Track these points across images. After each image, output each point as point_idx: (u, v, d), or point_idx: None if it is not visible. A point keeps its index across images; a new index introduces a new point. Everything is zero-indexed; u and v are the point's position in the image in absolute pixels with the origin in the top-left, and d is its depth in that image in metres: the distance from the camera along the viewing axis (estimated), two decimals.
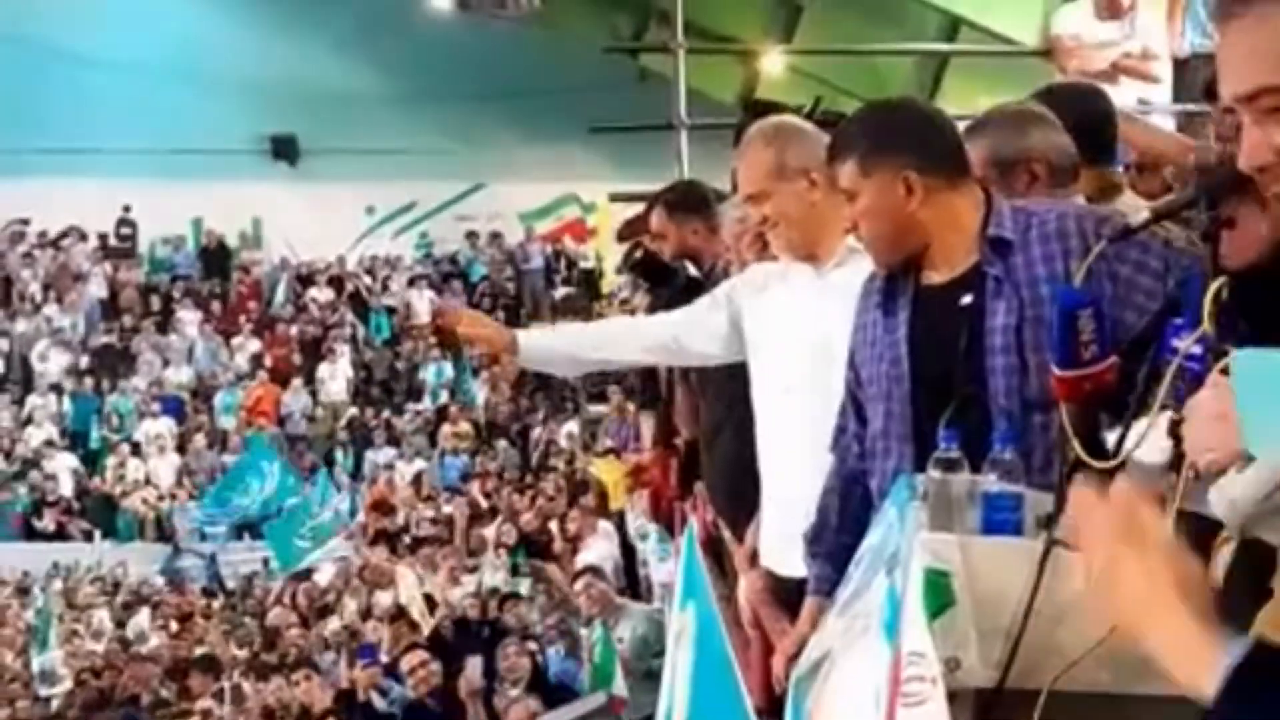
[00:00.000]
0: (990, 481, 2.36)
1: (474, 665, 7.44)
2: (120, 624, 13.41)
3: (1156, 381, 2.21)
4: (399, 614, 9.36)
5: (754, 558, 3.54)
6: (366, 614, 10.43)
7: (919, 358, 2.69)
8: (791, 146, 3.16)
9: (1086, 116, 3.33)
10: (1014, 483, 2.36)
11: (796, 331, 3.20)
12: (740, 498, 3.66)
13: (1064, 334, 2.31)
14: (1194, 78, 6.64)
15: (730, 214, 4.13)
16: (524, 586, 9.58)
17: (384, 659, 8.27)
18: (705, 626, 4.22)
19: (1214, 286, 2.12)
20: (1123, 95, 6.57)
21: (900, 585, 2.28)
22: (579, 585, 7.39)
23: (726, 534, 4.03)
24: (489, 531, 11.67)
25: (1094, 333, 2.37)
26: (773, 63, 11.24)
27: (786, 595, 3.26)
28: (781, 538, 3.25)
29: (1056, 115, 3.14)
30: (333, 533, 13.33)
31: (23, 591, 14.54)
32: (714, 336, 3.39)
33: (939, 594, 2.16)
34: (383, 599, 10.45)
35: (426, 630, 8.92)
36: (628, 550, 9.39)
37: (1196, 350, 2.14)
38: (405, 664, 7.62)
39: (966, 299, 2.65)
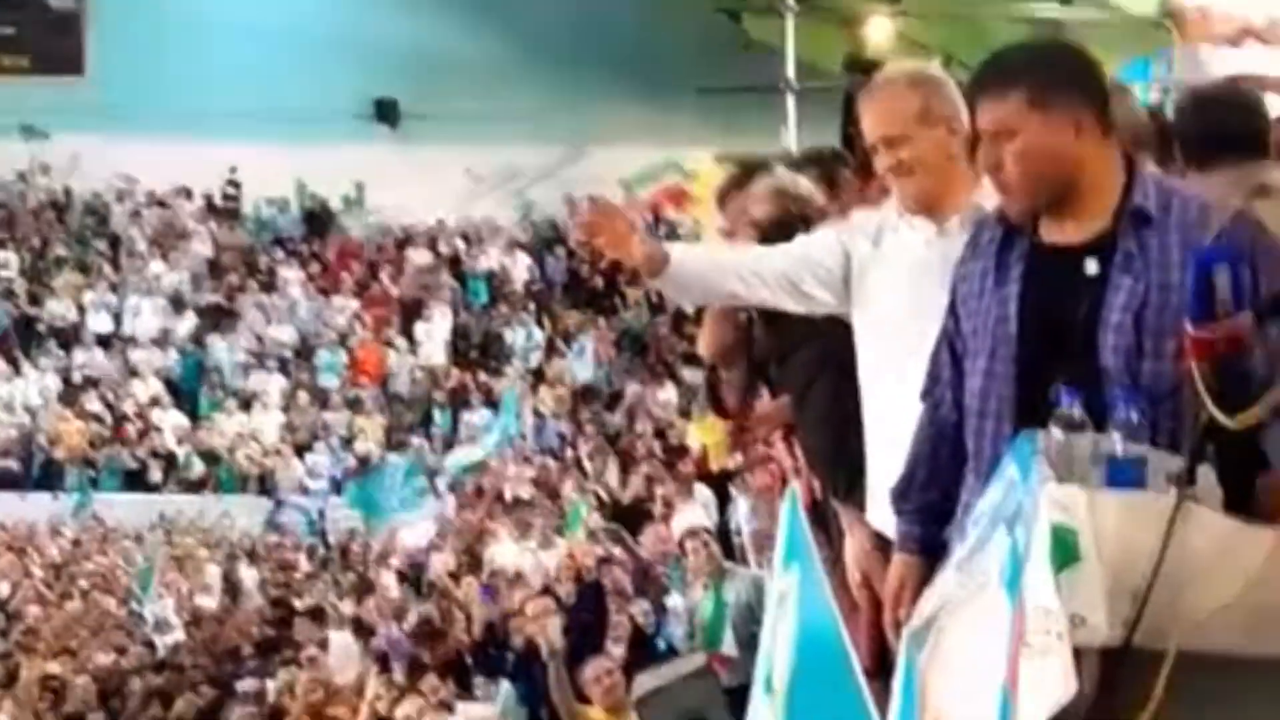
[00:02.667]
0: (1115, 441, 2.31)
1: (554, 626, 7.51)
2: (225, 575, 13.69)
3: None
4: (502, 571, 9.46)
5: (860, 516, 3.51)
6: (458, 573, 10.56)
7: (1031, 318, 2.61)
8: (937, 92, 3.09)
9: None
10: (1138, 444, 2.32)
11: (906, 293, 3.13)
12: (838, 455, 3.61)
13: (1199, 289, 2.25)
14: None
15: (759, 185, 4.06)
16: (616, 550, 9.63)
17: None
18: (809, 589, 4.21)
19: None
20: (1246, 61, 6.43)
21: (1024, 541, 2.26)
22: (688, 546, 7.38)
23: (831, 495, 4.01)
24: (582, 495, 11.75)
25: (1230, 290, 2.32)
26: (879, 28, 11.13)
27: (888, 547, 3.23)
28: (882, 492, 3.22)
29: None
30: (425, 492, 13.52)
31: (133, 541, 14.89)
32: (825, 281, 3.32)
33: (1065, 550, 2.13)
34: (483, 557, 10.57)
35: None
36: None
37: None
38: (530, 609, 7.68)
39: (1093, 267, 2.56)
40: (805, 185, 3.94)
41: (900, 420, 3.12)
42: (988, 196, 2.83)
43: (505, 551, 10.39)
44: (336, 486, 16.18)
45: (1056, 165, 2.53)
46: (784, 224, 3.80)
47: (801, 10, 9.09)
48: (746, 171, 4.58)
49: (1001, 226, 2.70)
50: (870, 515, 3.35)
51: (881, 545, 3.32)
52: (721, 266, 3.41)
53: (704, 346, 4.59)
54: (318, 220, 20.19)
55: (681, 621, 7.38)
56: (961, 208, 3.05)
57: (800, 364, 3.94)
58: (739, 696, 4.74)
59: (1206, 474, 2.23)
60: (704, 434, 10.42)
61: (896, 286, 3.16)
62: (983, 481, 2.61)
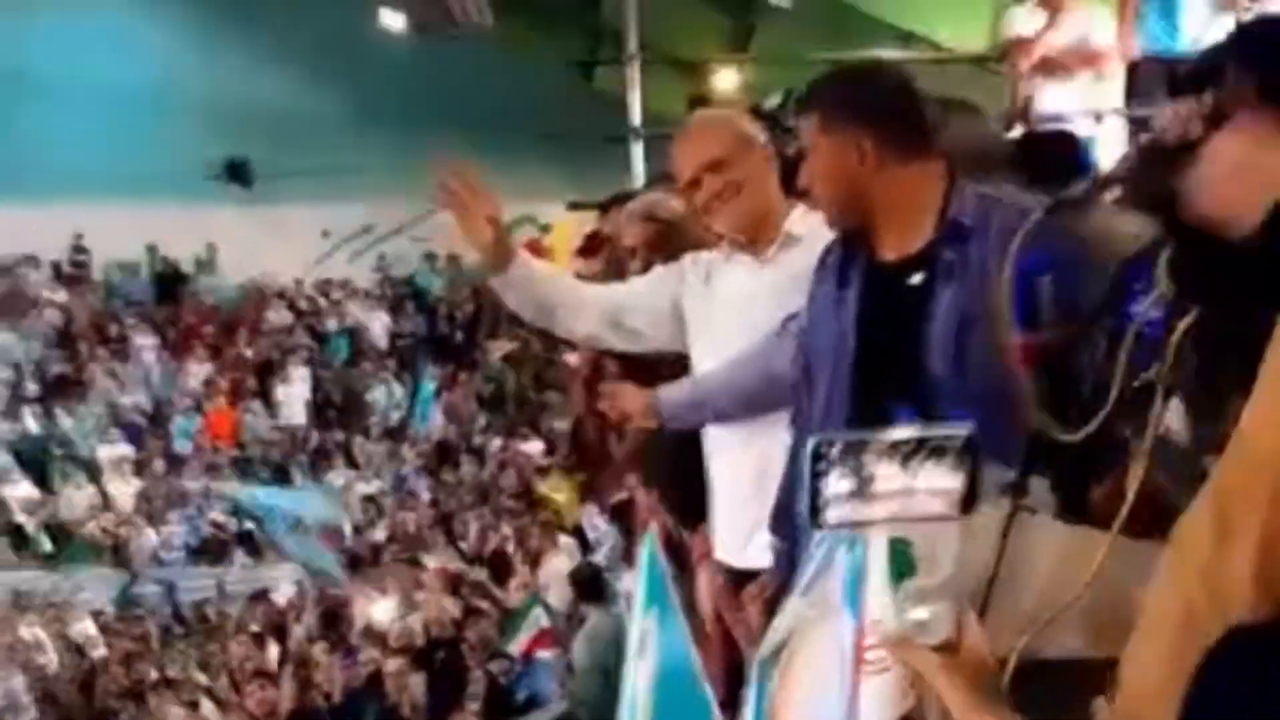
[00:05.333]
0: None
1: (416, 683, 7.38)
2: (79, 650, 13.23)
3: (1117, 346, 2.19)
4: (366, 631, 9.27)
5: (708, 552, 3.51)
6: (323, 638, 10.33)
7: (864, 334, 2.66)
8: (747, 121, 3.16)
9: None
10: None
11: (739, 322, 3.16)
12: (686, 491, 3.62)
13: (1023, 297, 2.28)
14: (1147, 80, 6.71)
15: (626, 211, 4.09)
16: (482, 601, 9.52)
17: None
18: (668, 630, 4.20)
19: (1166, 252, 2.10)
20: (1072, 89, 6.65)
21: (862, 558, 2.25)
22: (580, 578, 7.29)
23: (684, 532, 4.00)
24: (445, 552, 11.62)
25: (1053, 298, 2.35)
26: (725, 78, 11.29)
27: (743, 588, 3.22)
28: (733, 530, 3.22)
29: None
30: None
31: None
32: (656, 320, 3.34)
33: (902, 564, 2.13)
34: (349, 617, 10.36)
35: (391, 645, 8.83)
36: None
37: (1155, 315, 2.12)
38: (390, 668, 7.54)
39: (916, 278, 2.61)
40: (673, 203, 3.98)
41: (737, 453, 3.14)
42: (796, 223, 2.87)
43: (378, 610, 10.20)
44: (193, 556, 15.79)
45: (842, 186, 2.63)
46: (658, 244, 3.82)
47: (649, 59, 9.20)
48: (606, 207, 4.63)
49: (841, 248, 2.74)
50: (716, 551, 3.36)
51: (731, 579, 3.32)
52: (557, 288, 3.41)
53: (572, 410, 4.62)
54: (170, 283, 19.77)
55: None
56: (778, 236, 3.09)
57: None
58: None
59: (1039, 484, 2.25)
60: (555, 493, 10.41)
61: (727, 321, 3.19)
62: None
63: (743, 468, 3.10)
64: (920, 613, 1.82)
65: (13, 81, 18.49)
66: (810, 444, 1.80)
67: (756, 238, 3.16)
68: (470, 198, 3.29)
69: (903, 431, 1.77)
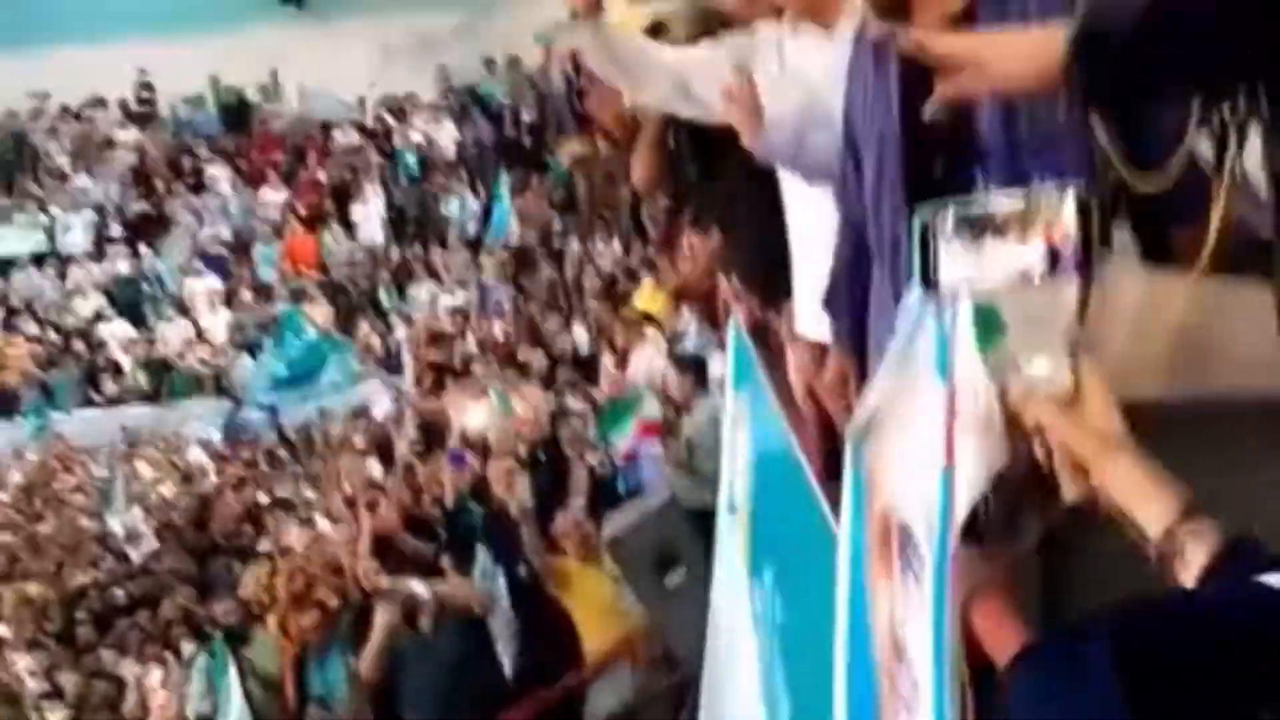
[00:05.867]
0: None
1: (521, 483, 7.57)
2: (188, 478, 13.71)
3: None
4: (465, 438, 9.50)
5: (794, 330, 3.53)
6: (427, 449, 10.58)
7: (910, 103, 2.62)
8: None
9: None
10: None
11: (811, 97, 3.11)
12: (770, 270, 3.62)
13: None
14: None
15: None
16: (575, 402, 9.67)
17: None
18: (760, 409, 4.26)
19: None
20: None
21: (950, 324, 2.27)
22: (670, 375, 7.40)
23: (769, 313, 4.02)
24: (534, 354, 11.77)
25: None
26: None
27: (824, 353, 3.25)
28: (817, 303, 3.24)
29: None
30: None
31: (95, 457, 14.85)
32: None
33: (991, 327, 2.14)
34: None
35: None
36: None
37: None
38: (494, 471, 7.73)
39: None
40: None
41: (819, 228, 3.13)
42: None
43: (473, 416, 10.40)
44: (291, 379, 16.17)
45: None
46: (706, 36, 3.78)
47: None
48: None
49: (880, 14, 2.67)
50: (800, 325, 3.38)
51: (818, 353, 3.36)
52: (631, 49, 3.42)
53: (635, 175, 4.56)
54: (236, 114, 19.80)
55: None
56: (845, 7, 3.02)
57: (724, 186, 3.94)
58: (706, 522, 4.83)
59: (1120, 231, 2.24)
60: (647, 304, 10.40)
61: (801, 99, 3.14)
62: (887, 272, 2.64)
63: (822, 237, 3.09)
64: (1039, 367, 1.84)
65: None
66: (919, 216, 1.80)
67: (822, 10, 3.07)
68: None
69: (1011, 197, 1.78)
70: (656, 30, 4.31)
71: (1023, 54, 1.80)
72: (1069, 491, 1.73)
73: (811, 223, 3.17)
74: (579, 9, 3.38)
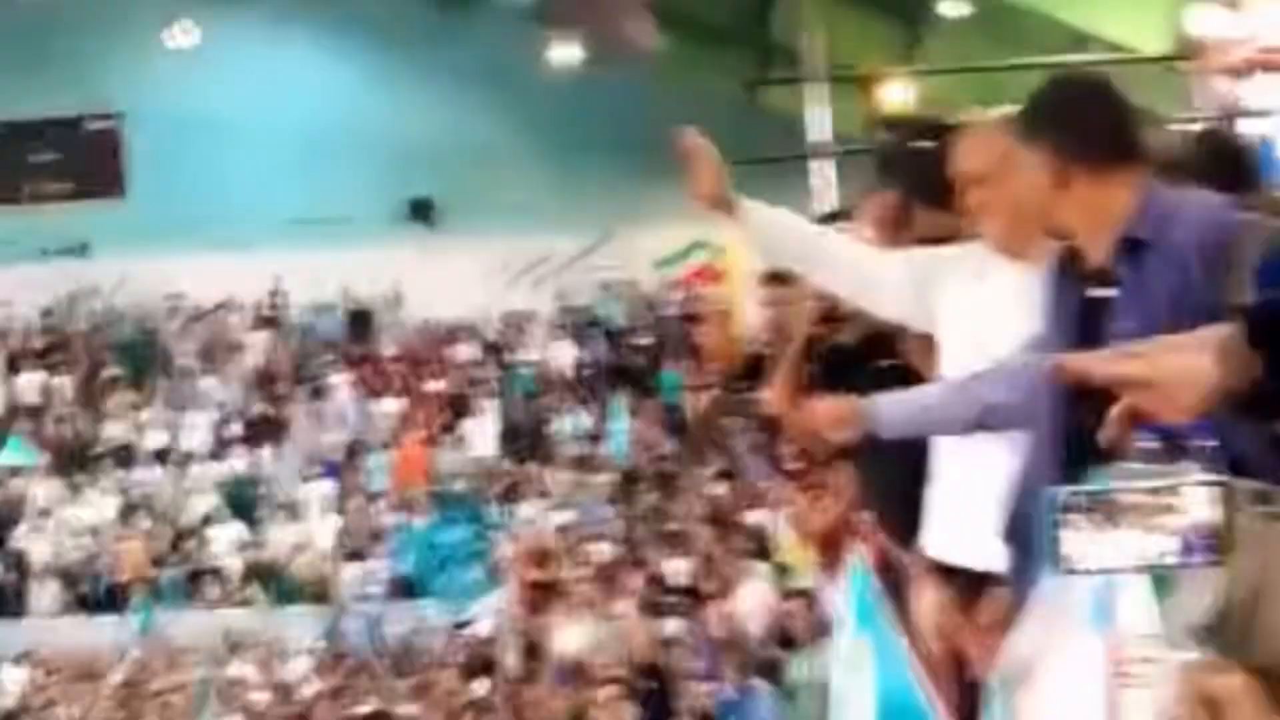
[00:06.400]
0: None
1: (627, 711, 7.42)
2: (286, 689, 13.63)
3: None
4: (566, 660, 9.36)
5: (929, 566, 3.46)
6: (528, 669, 10.46)
7: (1070, 347, 2.64)
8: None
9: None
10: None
11: (993, 333, 3.11)
12: (909, 503, 3.58)
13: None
14: None
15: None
16: (680, 630, 9.53)
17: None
18: (885, 652, 4.15)
19: None
20: (1258, 89, 6.43)
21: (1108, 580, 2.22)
22: (791, 606, 7.27)
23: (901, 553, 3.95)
24: (636, 579, 11.66)
25: None
26: (896, 90, 11.16)
27: (960, 590, 3.18)
28: (951, 522, 3.19)
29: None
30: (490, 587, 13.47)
31: (197, 658, 14.85)
32: (897, 297, 3.34)
33: (1162, 581, 2.10)
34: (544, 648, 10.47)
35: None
36: None
37: None
38: (601, 696, 7.60)
39: (1100, 293, 2.59)
40: (862, 234, 3.96)
41: (968, 448, 3.11)
42: None
43: (571, 636, 10.30)
44: (393, 590, 16.17)
45: (1035, 202, 2.64)
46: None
47: (826, 76, 9.19)
48: None
49: (1060, 260, 2.72)
50: (935, 549, 3.31)
51: (954, 590, 3.28)
52: (805, 235, 3.50)
53: (771, 398, 4.54)
54: (361, 322, 20.31)
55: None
56: (1040, 247, 3.03)
57: None
58: None
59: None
60: (793, 556, 10.23)
61: (992, 319, 3.14)
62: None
63: (976, 464, 3.06)
64: (1193, 655, 1.79)
65: (207, 130, 19.28)
66: (1052, 495, 1.80)
67: (1018, 250, 3.09)
68: (696, 154, 3.50)
69: (1148, 478, 1.75)
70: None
71: (1190, 378, 1.73)
72: None
73: (966, 447, 3.15)
74: (719, 212, 3.53)
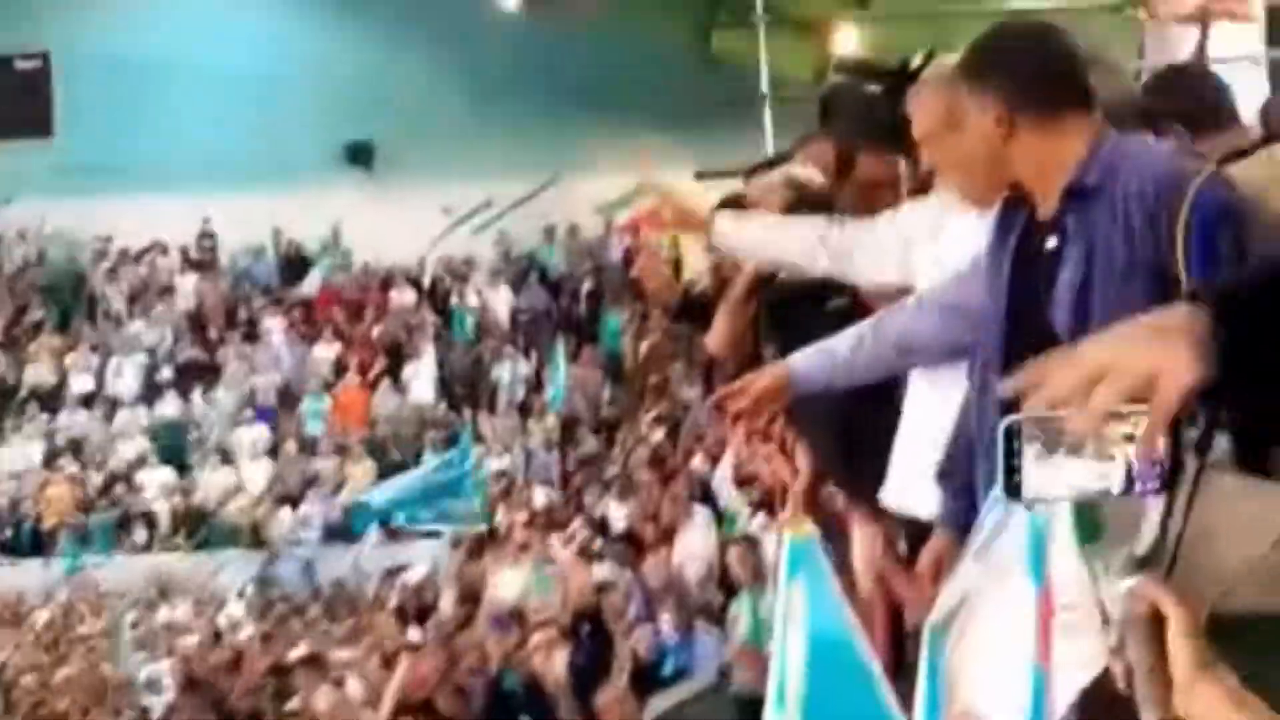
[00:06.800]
0: None
1: (559, 656, 7.42)
2: (217, 634, 13.55)
3: None
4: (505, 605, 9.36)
5: (871, 513, 3.47)
6: (465, 616, 10.44)
7: (1013, 298, 2.64)
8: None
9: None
10: None
11: (945, 261, 3.10)
12: (850, 449, 3.58)
13: (1205, 245, 2.23)
14: None
15: (768, 179, 4.07)
16: (617, 575, 9.54)
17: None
18: (818, 597, 4.15)
19: None
20: (1214, 38, 6.45)
21: (1044, 521, 2.22)
22: (732, 553, 7.30)
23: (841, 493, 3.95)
24: (578, 525, 11.67)
25: (1233, 249, 2.29)
26: (846, 37, 11.13)
27: (918, 539, 3.19)
28: (903, 470, 3.19)
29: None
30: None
31: (125, 602, 14.74)
32: (885, 258, 3.33)
33: (1089, 525, 2.09)
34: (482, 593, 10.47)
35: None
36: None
37: None
38: (534, 641, 7.60)
39: (1051, 242, 2.58)
40: (808, 172, 3.93)
41: (935, 403, 3.11)
42: None
43: (509, 583, 10.29)
44: (328, 535, 16.10)
45: (979, 158, 2.67)
46: (797, 208, 3.81)
47: (769, 22, 9.14)
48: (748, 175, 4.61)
49: (1002, 209, 2.71)
50: (890, 497, 3.30)
51: (892, 536, 3.29)
52: (778, 235, 3.46)
53: (713, 341, 4.53)
54: (296, 266, 20.11)
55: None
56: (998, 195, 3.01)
57: None
58: (756, 710, 4.68)
59: (1219, 439, 2.20)
60: (731, 503, 10.16)
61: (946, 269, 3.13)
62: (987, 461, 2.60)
63: (932, 413, 3.06)
64: (1121, 585, 1.79)
65: (137, 71, 18.94)
66: (1004, 423, 1.79)
67: (980, 202, 3.07)
68: (669, 206, 3.48)
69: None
70: (735, 204, 4.34)
71: (1160, 353, 1.53)
72: (1148, 715, 1.66)
73: (926, 399, 3.14)
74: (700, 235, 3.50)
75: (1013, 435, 1.71)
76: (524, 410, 17.41)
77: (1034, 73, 2.60)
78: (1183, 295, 2.24)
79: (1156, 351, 1.47)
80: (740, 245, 3.51)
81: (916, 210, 3.34)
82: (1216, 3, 6.54)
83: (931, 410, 3.06)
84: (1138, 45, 7.18)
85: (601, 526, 11.60)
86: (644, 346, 14.96)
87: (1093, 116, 2.59)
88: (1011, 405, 1.94)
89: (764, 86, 8.45)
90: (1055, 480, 1.72)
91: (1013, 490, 1.75)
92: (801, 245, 3.42)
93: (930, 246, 3.18)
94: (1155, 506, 1.97)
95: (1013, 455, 1.72)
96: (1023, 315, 2.59)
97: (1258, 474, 2.20)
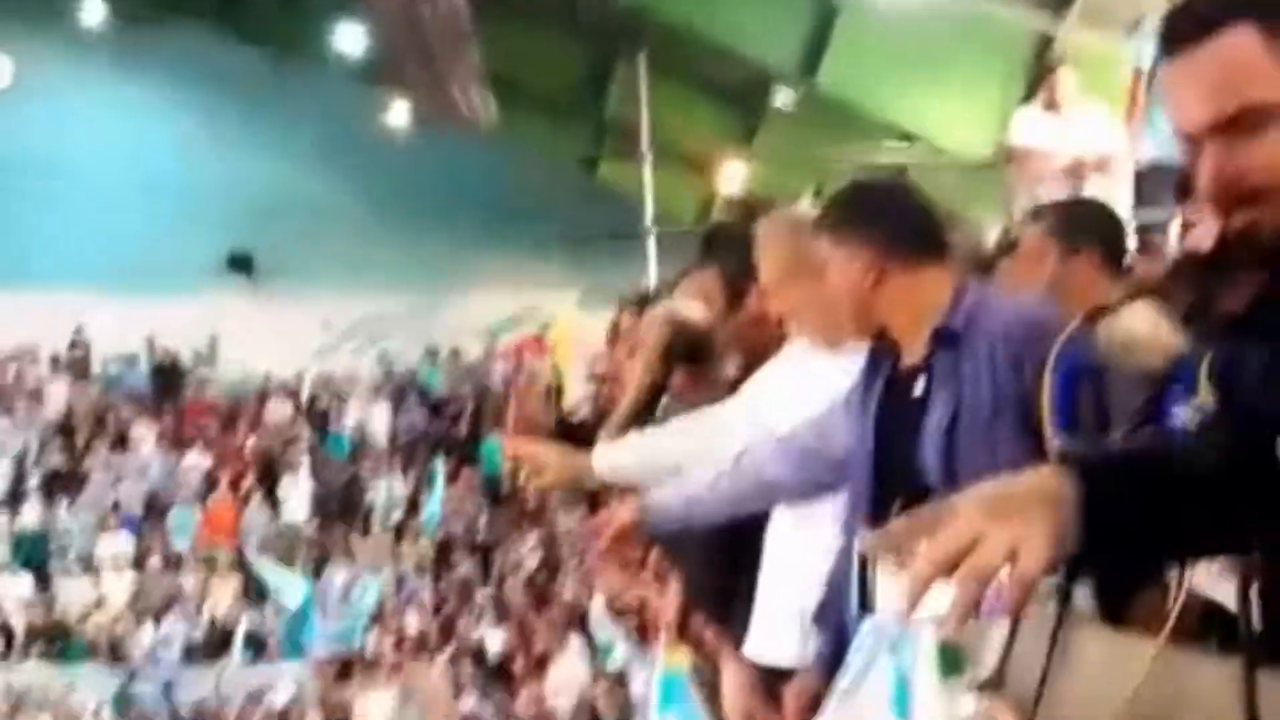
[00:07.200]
0: None
1: None
2: None
3: None
4: None
5: (740, 649, 3.46)
6: None
7: (880, 442, 2.70)
8: (808, 240, 3.14)
9: None
10: None
11: (807, 405, 3.15)
12: (721, 589, 3.58)
13: (1066, 401, 2.29)
14: (1154, 187, 6.78)
15: (655, 311, 4.11)
16: (484, 706, 9.39)
17: None
18: None
19: (1206, 359, 2.12)
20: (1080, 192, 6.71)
21: (908, 662, 2.25)
22: (599, 688, 7.21)
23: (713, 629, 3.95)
24: (448, 652, 11.47)
25: (1094, 404, 2.36)
26: (731, 175, 11.39)
27: (775, 687, 3.19)
28: (771, 623, 3.19)
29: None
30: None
31: None
32: (734, 435, 3.34)
33: (951, 666, 2.12)
34: None
35: None
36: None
37: (1197, 421, 2.14)
38: None
39: (919, 388, 2.65)
40: (690, 308, 3.99)
41: (795, 550, 3.13)
42: None
43: (376, 709, 10.06)
44: (189, 655, 15.62)
45: (847, 303, 2.76)
46: (677, 343, 3.85)
47: (655, 156, 9.34)
48: (638, 304, 4.66)
49: (870, 354, 2.77)
50: (754, 649, 3.31)
51: (761, 677, 3.29)
52: (654, 454, 3.46)
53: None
54: (169, 376, 19.74)
55: None
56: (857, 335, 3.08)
57: None
58: None
59: (1081, 589, 2.25)
60: (603, 634, 10.03)
61: (785, 400, 3.17)
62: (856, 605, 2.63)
63: (792, 559, 3.08)
64: (965, 706, 1.82)
65: (16, 170, 18.65)
66: (860, 544, 1.82)
67: (831, 345, 3.13)
68: (536, 460, 3.46)
69: None
70: (614, 331, 4.39)
71: (1023, 528, 1.51)
72: None
73: (787, 546, 3.16)
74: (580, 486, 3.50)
75: (866, 547, 1.74)
76: (399, 532, 17.16)
77: (900, 224, 2.71)
78: (1052, 457, 2.32)
79: (1018, 526, 1.48)
80: (625, 474, 3.48)
81: (764, 370, 3.40)
82: (1085, 165, 6.82)
83: (796, 552, 3.09)
84: (1005, 202, 7.44)
85: (475, 653, 11.43)
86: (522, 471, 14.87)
87: (951, 265, 2.70)
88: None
89: (649, 218, 8.59)
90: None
91: (867, 605, 1.78)
92: (681, 452, 3.43)
93: (783, 392, 3.24)
94: (1000, 630, 2.01)
95: (868, 574, 1.76)
96: (891, 458, 2.65)
97: (1116, 623, 2.26)
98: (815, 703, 2.74)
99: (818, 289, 2.94)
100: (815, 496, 2.98)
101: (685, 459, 3.32)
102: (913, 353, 2.68)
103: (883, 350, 2.74)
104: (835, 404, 2.85)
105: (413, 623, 13.29)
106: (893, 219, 2.72)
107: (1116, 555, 1.63)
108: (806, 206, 3.53)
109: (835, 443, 2.85)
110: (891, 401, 2.69)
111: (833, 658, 2.72)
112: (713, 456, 3.26)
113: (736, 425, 3.30)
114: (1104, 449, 1.98)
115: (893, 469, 2.63)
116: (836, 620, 2.77)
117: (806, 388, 3.12)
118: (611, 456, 3.50)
